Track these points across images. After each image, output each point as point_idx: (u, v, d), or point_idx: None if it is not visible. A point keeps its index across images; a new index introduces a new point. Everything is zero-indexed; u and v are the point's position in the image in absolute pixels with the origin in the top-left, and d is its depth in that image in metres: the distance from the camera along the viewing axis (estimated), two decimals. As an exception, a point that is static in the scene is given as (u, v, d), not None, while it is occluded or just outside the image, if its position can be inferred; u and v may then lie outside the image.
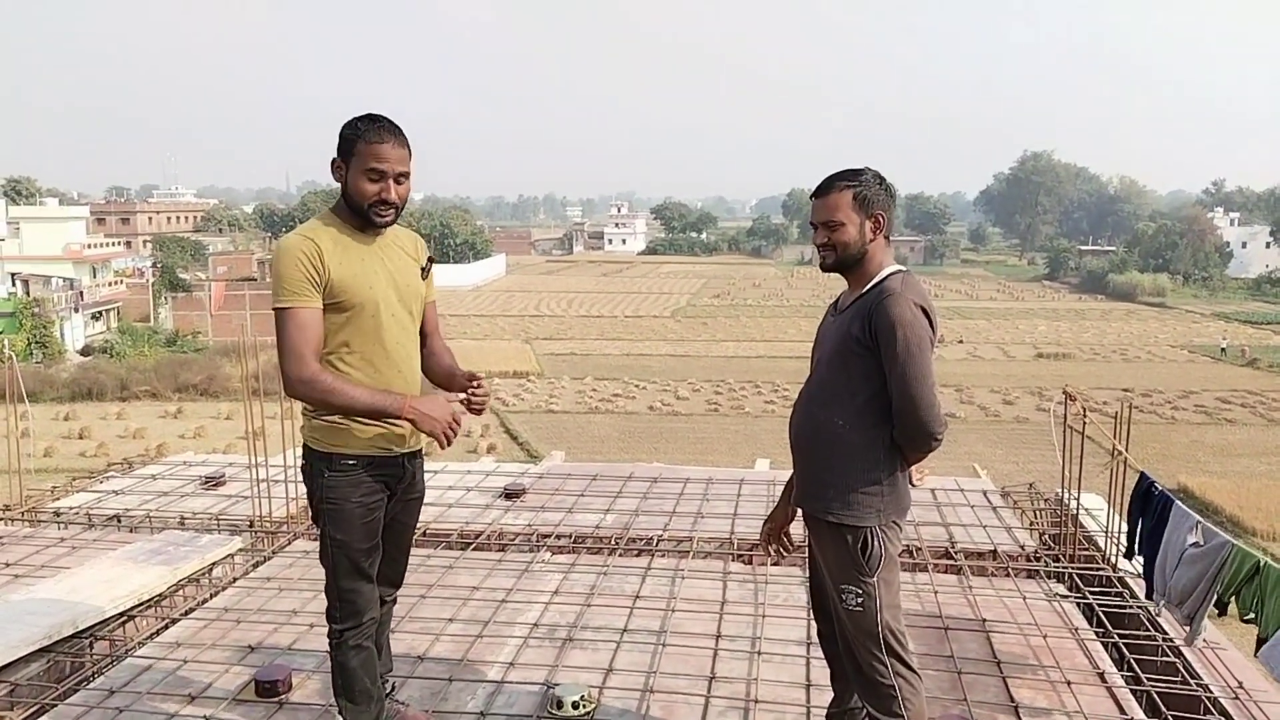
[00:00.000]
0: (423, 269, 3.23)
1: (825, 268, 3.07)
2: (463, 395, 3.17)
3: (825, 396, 3.03)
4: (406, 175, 3.01)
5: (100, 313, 49.01)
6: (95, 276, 51.25)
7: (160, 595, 5.09)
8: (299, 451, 3.30)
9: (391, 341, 3.08)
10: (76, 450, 27.15)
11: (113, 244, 59.62)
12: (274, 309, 2.96)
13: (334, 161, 2.99)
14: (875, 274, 2.97)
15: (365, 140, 2.93)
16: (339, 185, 3.02)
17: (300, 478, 3.27)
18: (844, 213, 2.95)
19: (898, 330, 2.81)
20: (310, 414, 3.10)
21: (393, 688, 3.57)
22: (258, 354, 7.14)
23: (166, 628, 4.77)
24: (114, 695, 3.97)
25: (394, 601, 3.53)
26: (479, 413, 3.15)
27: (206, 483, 7.32)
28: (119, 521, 6.51)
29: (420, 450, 3.30)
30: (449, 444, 3.04)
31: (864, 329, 2.88)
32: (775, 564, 5.32)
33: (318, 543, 3.21)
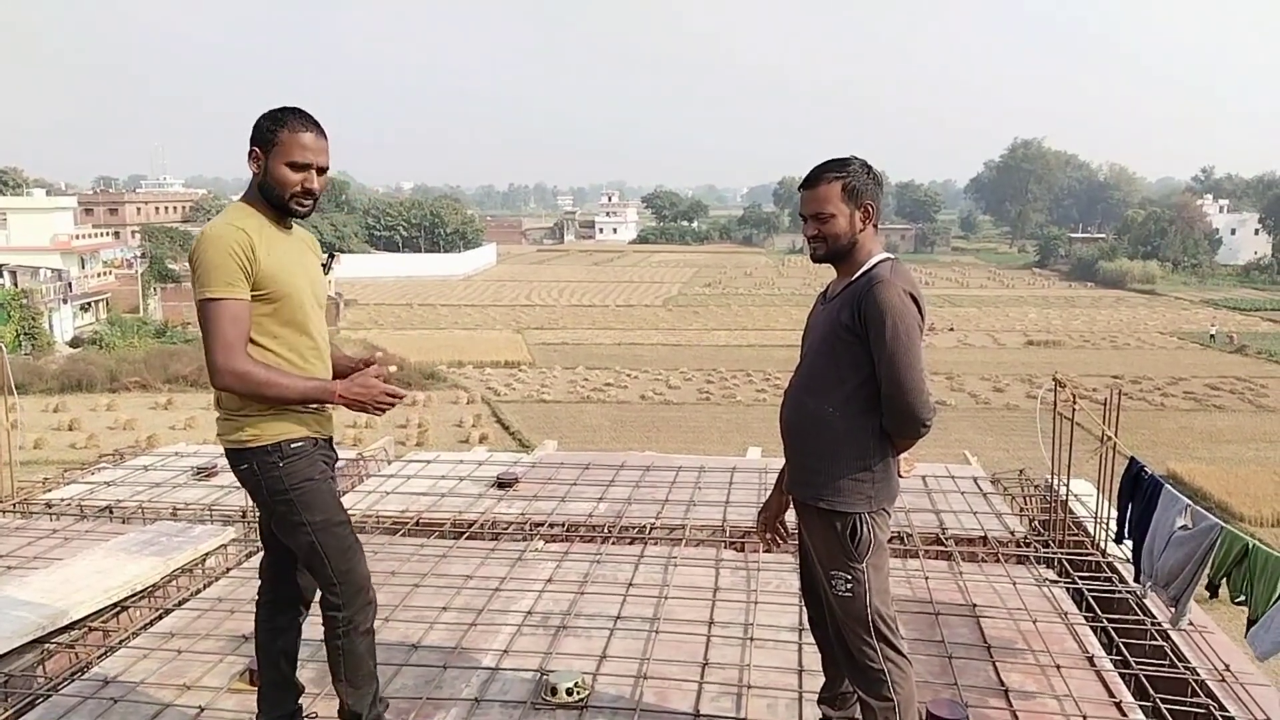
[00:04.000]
0: (324, 265, 3.29)
1: (816, 259, 3.08)
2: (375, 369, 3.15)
3: (815, 384, 3.04)
4: (326, 169, 3.06)
5: (89, 304, 48.72)
6: (84, 267, 50.89)
7: (153, 586, 5.10)
8: None
9: (314, 330, 3.12)
10: (67, 442, 27.03)
11: (101, 234, 59.18)
12: (203, 299, 2.92)
13: (252, 151, 3.00)
14: (864, 262, 2.98)
15: (289, 130, 2.96)
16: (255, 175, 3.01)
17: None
18: (834, 204, 2.95)
19: (887, 317, 2.82)
20: (236, 413, 3.07)
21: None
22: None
23: (160, 618, 4.78)
24: (108, 686, 3.98)
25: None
26: (382, 410, 3.05)
27: (198, 473, 7.32)
28: (111, 513, 6.51)
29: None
30: (384, 412, 3.05)
31: (853, 316, 2.89)
32: (768, 551, 5.36)
33: (295, 551, 3.12)
